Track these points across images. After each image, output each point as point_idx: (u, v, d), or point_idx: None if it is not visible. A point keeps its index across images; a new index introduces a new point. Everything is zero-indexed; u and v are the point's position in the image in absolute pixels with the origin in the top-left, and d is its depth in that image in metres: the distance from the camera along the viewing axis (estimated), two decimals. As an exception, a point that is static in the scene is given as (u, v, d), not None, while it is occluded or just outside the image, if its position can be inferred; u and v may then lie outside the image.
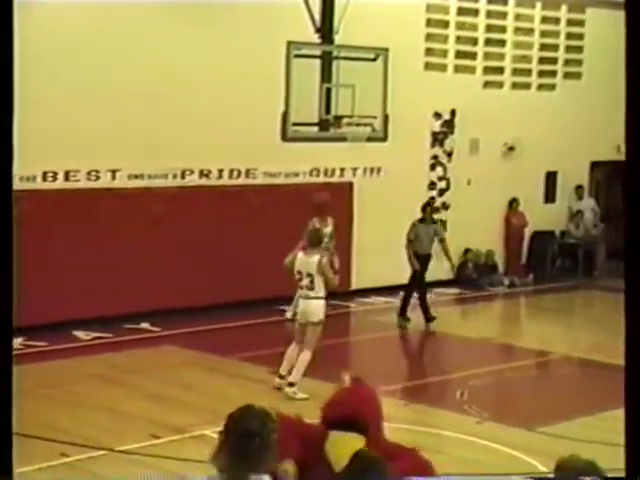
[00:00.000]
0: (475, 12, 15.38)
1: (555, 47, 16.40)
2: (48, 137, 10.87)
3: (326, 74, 12.62)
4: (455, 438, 8.06)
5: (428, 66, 14.82)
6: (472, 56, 15.38)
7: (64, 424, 8.00)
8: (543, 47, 16.25)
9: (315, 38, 12.77)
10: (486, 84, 15.59)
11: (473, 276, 15.26)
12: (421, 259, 12.30)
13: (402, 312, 12.43)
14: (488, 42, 15.54)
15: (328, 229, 11.66)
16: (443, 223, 15.08)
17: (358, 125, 12.63)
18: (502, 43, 15.71)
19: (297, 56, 11.97)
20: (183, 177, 12.53)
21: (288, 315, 11.64)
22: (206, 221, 12.56)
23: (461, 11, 15.19)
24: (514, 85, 15.96)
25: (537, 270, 16.24)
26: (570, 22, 16.57)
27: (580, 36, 16.67)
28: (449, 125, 15.15)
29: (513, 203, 15.97)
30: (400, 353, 11.44)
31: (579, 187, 16.98)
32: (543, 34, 16.22)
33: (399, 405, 8.89)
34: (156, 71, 11.98)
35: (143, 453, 7.40)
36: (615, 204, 17.66)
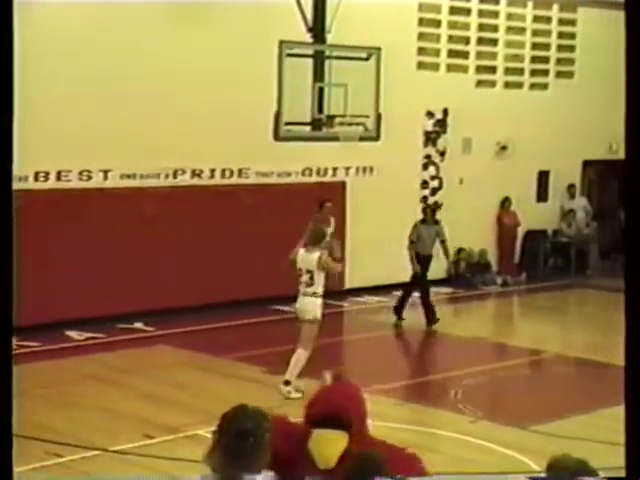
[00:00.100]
0: (467, 11, 15.40)
1: (547, 46, 16.43)
2: (40, 137, 10.84)
3: (318, 73, 12.61)
4: (449, 437, 8.07)
5: (420, 65, 14.83)
6: (464, 55, 15.41)
7: (57, 424, 7.98)
8: (535, 46, 16.28)
9: (307, 37, 12.76)
10: (478, 83, 15.61)
11: (466, 275, 15.29)
12: (423, 260, 12.30)
13: (398, 312, 12.42)
14: (480, 41, 15.56)
15: (330, 228, 11.68)
16: (436, 223, 15.10)
17: (351, 124, 12.62)
18: (494, 42, 15.74)
19: (289, 55, 11.96)
20: (175, 177, 12.52)
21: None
22: (199, 221, 12.55)
23: (453, 10, 15.21)
24: (506, 84, 15.99)
25: (530, 269, 16.27)
26: (562, 21, 16.60)
27: (572, 35, 16.71)
28: (442, 124, 15.16)
29: (505, 202, 16.00)
30: (393, 352, 11.45)
31: (571, 186, 17.01)
32: (535, 33, 16.25)
33: (393, 404, 8.90)
34: (148, 71, 11.96)
35: (137, 453, 7.39)
36: (607, 203, 17.71)
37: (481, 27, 15.56)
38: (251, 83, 12.58)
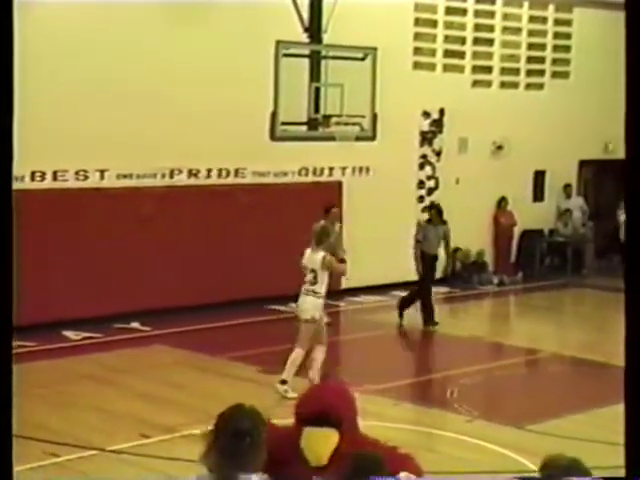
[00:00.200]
0: (463, 11, 15.43)
1: (543, 46, 16.46)
2: (36, 137, 10.84)
3: (315, 73, 12.61)
4: (445, 436, 8.09)
5: (417, 65, 14.85)
6: (460, 55, 15.43)
7: (54, 424, 7.99)
8: (531, 46, 16.31)
9: (304, 37, 12.77)
10: (475, 83, 15.63)
11: (463, 275, 15.31)
12: (428, 259, 12.29)
13: (401, 311, 12.38)
14: (476, 41, 15.59)
15: (335, 229, 11.71)
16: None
17: (347, 124, 12.63)
18: (490, 42, 15.76)
19: (286, 55, 11.95)
20: (172, 177, 12.52)
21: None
22: (195, 221, 12.56)
23: (449, 10, 15.23)
24: (502, 84, 16.02)
25: (526, 268, 16.30)
26: (557, 21, 16.63)
27: (568, 35, 16.74)
28: (438, 124, 15.18)
29: (502, 202, 16.02)
30: (390, 352, 11.46)
31: (567, 186, 17.05)
32: (531, 33, 16.28)
33: (389, 404, 8.91)
34: (144, 71, 11.97)
35: (133, 453, 7.40)
36: (603, 203, 17.75)
37: (477, 27, 15.58)
38: (247, 83, 12.59)
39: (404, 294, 12.71)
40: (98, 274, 11.70)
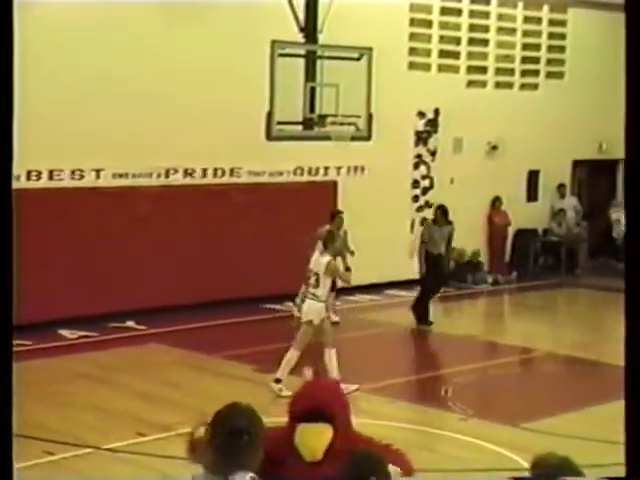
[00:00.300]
0: (458, 12, 15.46)
1: (537, 47, 16.51)
2: (32, 136, 10.84)
3: (310, 73, 12.65)
4: (440, 435, 8.12)
5: (412, 65, 14.88)
6: (455, 55, 15.47)
7: (50, 422, 8.00)
8: (525, 47, 16.35)
9: (299, 37, 12.80)
10: (469, 83, 15.67)
11: (457, 274, 15.33)
12: (431, 259, 12.31)
13: (421, 316, 12.34)
14: (471, 42, 15.63)
15: (340, 233, 11.78)
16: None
17: (342, 124, 12.67)
18: (485, 43, 15.80)
19: (281, 55, 12.00)
20: (167, 176, 12.54)
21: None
22: (191, 220, 12.58)
23: (444, 11, 15.27)
24: (497, 84, 16.06)
25: (520, 268, 16.35)
26: (552, 22, 16.68)
27: (562, 36, 16.79)
28: (433, 124, 15.22)
29: (496, 202, 16.07)
30: (385, 351, 11.49)
31: (561, 186, 17.10)
32: (525, 34, 16.32)
33: (384, 402, 8.94)
34: (140, 71, 11.98)
35: (129, 451, 7.42)
36: (597, 202, 17.81)
37: (472, 28, 15.62)
38: (243, 83, 12.61)
39: (416, 297, 12.61)
40: (94, 273, 11.71)
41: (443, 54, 15.29)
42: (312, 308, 9.11)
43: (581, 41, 16.65)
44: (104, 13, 11.59)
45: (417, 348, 12.38)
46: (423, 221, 15.03)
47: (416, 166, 15.23)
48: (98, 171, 11.93)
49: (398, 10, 14.55)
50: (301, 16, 12.76)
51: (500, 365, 10.84)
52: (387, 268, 14.00)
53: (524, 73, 16.38)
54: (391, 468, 3.70)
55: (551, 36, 16.66)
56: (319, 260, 9.19)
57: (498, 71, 16.04)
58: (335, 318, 11.72)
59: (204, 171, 12.87)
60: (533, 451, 3.65)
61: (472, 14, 15.61)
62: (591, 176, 17.76)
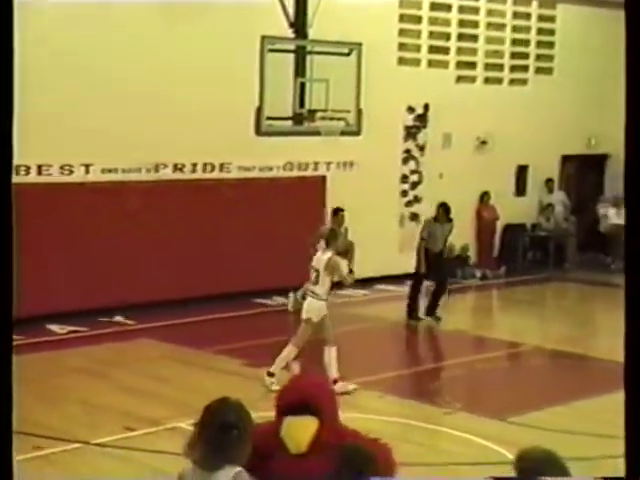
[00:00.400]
0: (448, 7, 15.49)
1: (527, 42, 16.55)
2: (20, 130, 10.80)
3: (300, 68, 12.65)
4: (428, 429, 8.16)
5: (401, 61, 14.91)
6: (445, 51, 15.49)
7: (38, 417, 8.00)
8: (515, 42, 16.40)
9: (289, 33, 12.80)
10: (459, 79, 15.70)
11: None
12: (432, 257, 12.34)
13: (430, 311, 12.32)
14: (461, 37, 15.66)
15: (342, 230, 11.81)
16: (415, 216, 15.21)
17: (332, 119, 12.68)
18: (474, 38, 15.84)
19: (271, 50, 11.99)
20: (157, 171, 12.53)
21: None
22: (180, 215, 12.58)
23: (434, 6, 15.29)
24: (486, 80, 16.10)
25: (509, 263, 16.41)
26: (541, 18, 16.73)
27: (551, 32, 16.84)
28: (422, 119, 15.25)
29: (484, 196, 16.12)
30: (375, 345, 11.52)
31: (549, 180, 17.16)
32: (515, 29, 16.37)
33: (373, 396, 8.98)
34: (129, 67, 11.96)
35: (118, 446, 7.42)
36: (585, 197, 17.88)
37: (461, 23, 15.65)
38: (233, 78, 12.60)
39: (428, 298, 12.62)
40: (83, 268, 11.70)
41: (432, 50, 15.31)
42: (312, 306, 9.10)
43: (570, 37, 16.70)
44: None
45: (406, 343, 12.43)
46: (412, 216, 15.10)
47: (405, 161, 15.26)
48: (87, 166, 11.92)
49: (388, 6, 14.57)
50: (291, 11, 12.75)
51: (488, 359, 10.90)
52: (376, 263, 14.03)
53: (513, 69, 16.42)
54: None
55: (540, 32, 16.71)
56: (321, 257, 9.21)
57: (487, 67, 16.08)
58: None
59: (194, 166, 12.87)
60: (520, 445, 3.69)
61: (461, 10, 15.64)
62: (579, 171, 17.83)
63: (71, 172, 11.80)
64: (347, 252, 9.58)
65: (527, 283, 15.57)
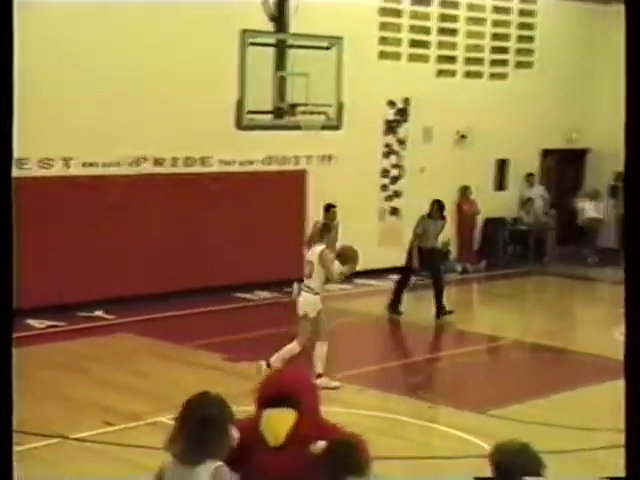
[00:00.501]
0: (428, 1, 15.50)
1: (507, 37, 16.60)
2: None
3: (280, 62, 12.64)
4: (409, 422, 8.18)
5: (382, 55, 14.90)
6: (425, 45, 15.51)
7: (18, 412, 7.93)
8: (495, 37, 16.44)
9: (269, 26, 12.77)
10: (439, 73, 15.73)
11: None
12: (425, 253, 12.35)
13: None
14: (441, 31, 15.67)
15: (334, 224, 11.79)
16: (395, 211, 15.23)
17: (312, 113, 12.69)
18: (455, 32, 15.86)
19: (251, 44, 11.98)
20: (138, 165, 12.47)
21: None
22: (161, 209, 12.53)
23: (414, 0, 15.29)
24: (467, 74, 16.13)
25: (489, 256, 16.47)
26: (521, 12, 16.78)
27: (531, 26, 16.89)
28: (403, 113, 15.27)
29: (465, 191, 16.17)
30: (355, 339, 11.54)
31: (530, 175, 17.24)
32: (495, 24, 16.40)
33: (354, 390, 8.99)
34: (110, 60, 11.89)
35: (98, 441, 7.39)
36: (565, 191, 17.98)
37: (442, 17, 15.67)
38: (213, 72, 12.56)
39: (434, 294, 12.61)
40: (62, 262, 11.63)
41: (413, 43, 15.32)
42: (307, 301, 9.02)
43: (550, 31, 16.76)
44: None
45: (387, 337, 12.45)
46: (393, 210, 15.12)
47: (386, 155, 15.28)
48: (67, 160, 11.84)
49: (368, -1, 14.56)
50: (271, 5, 12.73)
51: (468, 353, 10.94)
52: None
53: (493, 63, 16.47)
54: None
55: (521, 26, 16.76)
56: (314, 250, 9.17)
57: (468, 61, 16.11)
58: None
59: (174, 160, 12.82)
60: (499, 438, 3.70)
61: (442, 4, 15.66)
62: (559, 165, 17.92)
63: (50, 166, 11.72)
64: (349, 259, 9.35)
65: (507, 277, 15.65)
